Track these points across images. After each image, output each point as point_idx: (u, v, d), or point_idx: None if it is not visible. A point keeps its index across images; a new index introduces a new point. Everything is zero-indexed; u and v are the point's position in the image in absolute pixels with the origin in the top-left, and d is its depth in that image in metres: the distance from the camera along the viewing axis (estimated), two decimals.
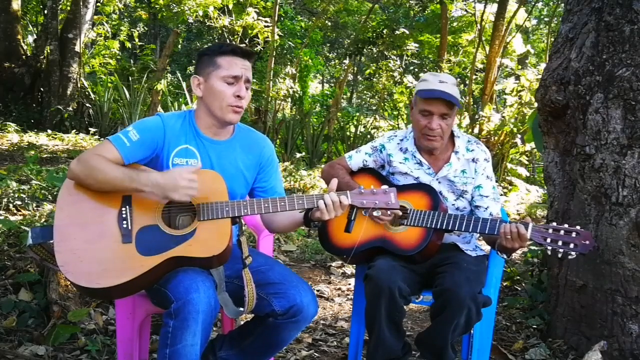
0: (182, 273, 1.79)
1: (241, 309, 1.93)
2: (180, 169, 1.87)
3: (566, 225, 2.00)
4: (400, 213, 2.21)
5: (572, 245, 1.95)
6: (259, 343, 1.96)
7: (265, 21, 9.46)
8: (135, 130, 1.92)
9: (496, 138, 8.27)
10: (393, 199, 1.90)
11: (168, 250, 1.79)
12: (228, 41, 9.65)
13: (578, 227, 1.98)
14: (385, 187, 1.93)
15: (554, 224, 2.02)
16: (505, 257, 2.18)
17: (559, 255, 1.98)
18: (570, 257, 1.97)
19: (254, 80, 7.91)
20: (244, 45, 9.36)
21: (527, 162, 8.74)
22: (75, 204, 1.84)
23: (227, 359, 2.00)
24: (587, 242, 1.94)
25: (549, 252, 2.00)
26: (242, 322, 2.45)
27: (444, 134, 2.28)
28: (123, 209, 1.84)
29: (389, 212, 2.18)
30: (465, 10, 12.15)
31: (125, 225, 1.82)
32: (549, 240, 1.98)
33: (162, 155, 1.98)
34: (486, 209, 2.33)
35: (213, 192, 1.88)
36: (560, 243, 1.96)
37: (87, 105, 9.12)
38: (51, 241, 1.82)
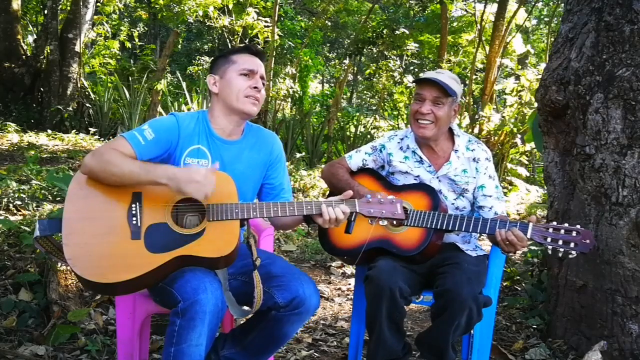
0: (189, 273, 1.79)
1: (245, 307, 1.93)
2: (198, 167, 1.91)
3: (566, 225, 2.00)
4: (399, 223, 2.21)
5: (572, 245, 1.95)
6: (261, 338, 1.97)
7: (265, 21, 9.46)
8: (150, 128, 1.94)
9: (496, 138, 8.27)
10: (399, 210, 1.96)
11: (176, 248, 1.79)
12: (228, 41, 9.68)
13: (578, 226, 1.98)
14: (392, 197, 1.97)
15: (554, 223, 2.02)
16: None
17: (560, 255, 1.98)
18: (570, 256, 1.97)
19: None
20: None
21: (527, 162, 8.75)
22: (85, 198, 1.84)
23: (230, 357, 2.00)
24: (588, 241, 1.94)
25: (550, 252, 2.00)
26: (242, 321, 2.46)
27: (436, 121, 2.28)
28: (133, 205, 1.84)
29: (394, 222, 2.20)
30: (465, 10, 12.15)
31: (134, 222, 1.82)
32: (549, 239, 1.98)
33: (174, 155, 2.00)
34: (490, 208, 2.33)
35: (223, 194, 1.89)
36: (560, 242, 1.96)
37: (87, 105, 9.12)
38: (59, 233, 1.82)
